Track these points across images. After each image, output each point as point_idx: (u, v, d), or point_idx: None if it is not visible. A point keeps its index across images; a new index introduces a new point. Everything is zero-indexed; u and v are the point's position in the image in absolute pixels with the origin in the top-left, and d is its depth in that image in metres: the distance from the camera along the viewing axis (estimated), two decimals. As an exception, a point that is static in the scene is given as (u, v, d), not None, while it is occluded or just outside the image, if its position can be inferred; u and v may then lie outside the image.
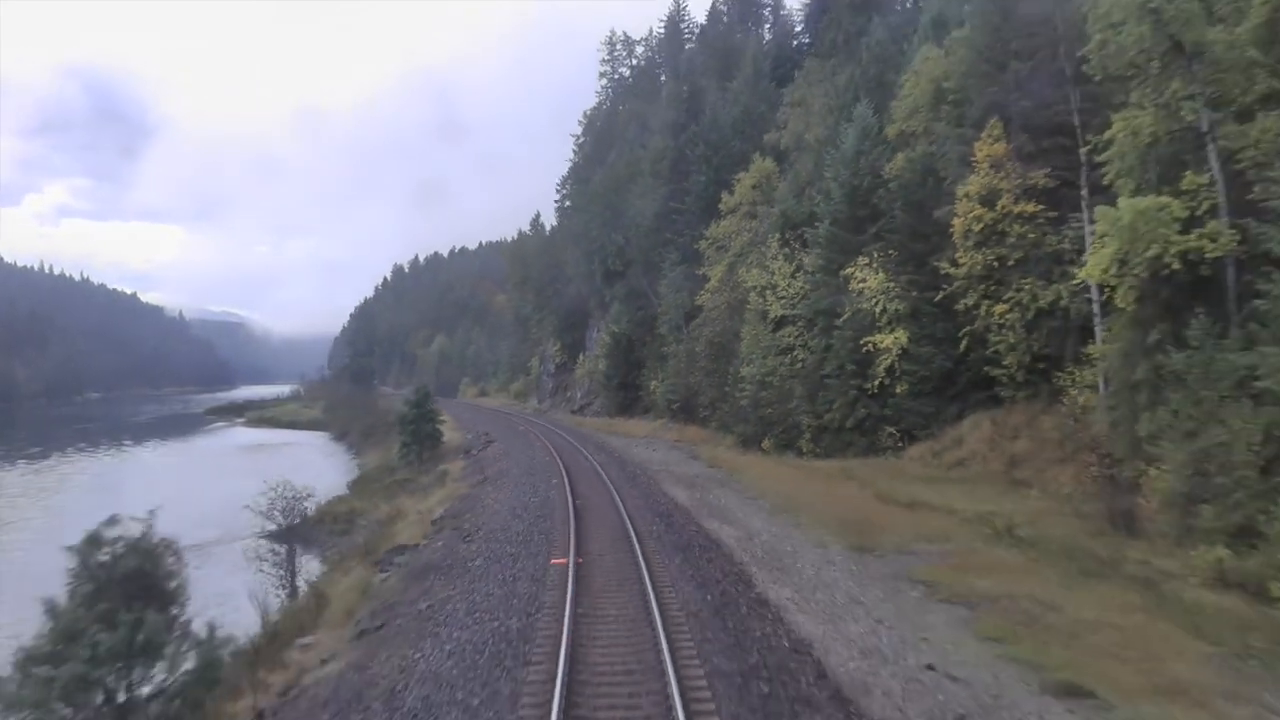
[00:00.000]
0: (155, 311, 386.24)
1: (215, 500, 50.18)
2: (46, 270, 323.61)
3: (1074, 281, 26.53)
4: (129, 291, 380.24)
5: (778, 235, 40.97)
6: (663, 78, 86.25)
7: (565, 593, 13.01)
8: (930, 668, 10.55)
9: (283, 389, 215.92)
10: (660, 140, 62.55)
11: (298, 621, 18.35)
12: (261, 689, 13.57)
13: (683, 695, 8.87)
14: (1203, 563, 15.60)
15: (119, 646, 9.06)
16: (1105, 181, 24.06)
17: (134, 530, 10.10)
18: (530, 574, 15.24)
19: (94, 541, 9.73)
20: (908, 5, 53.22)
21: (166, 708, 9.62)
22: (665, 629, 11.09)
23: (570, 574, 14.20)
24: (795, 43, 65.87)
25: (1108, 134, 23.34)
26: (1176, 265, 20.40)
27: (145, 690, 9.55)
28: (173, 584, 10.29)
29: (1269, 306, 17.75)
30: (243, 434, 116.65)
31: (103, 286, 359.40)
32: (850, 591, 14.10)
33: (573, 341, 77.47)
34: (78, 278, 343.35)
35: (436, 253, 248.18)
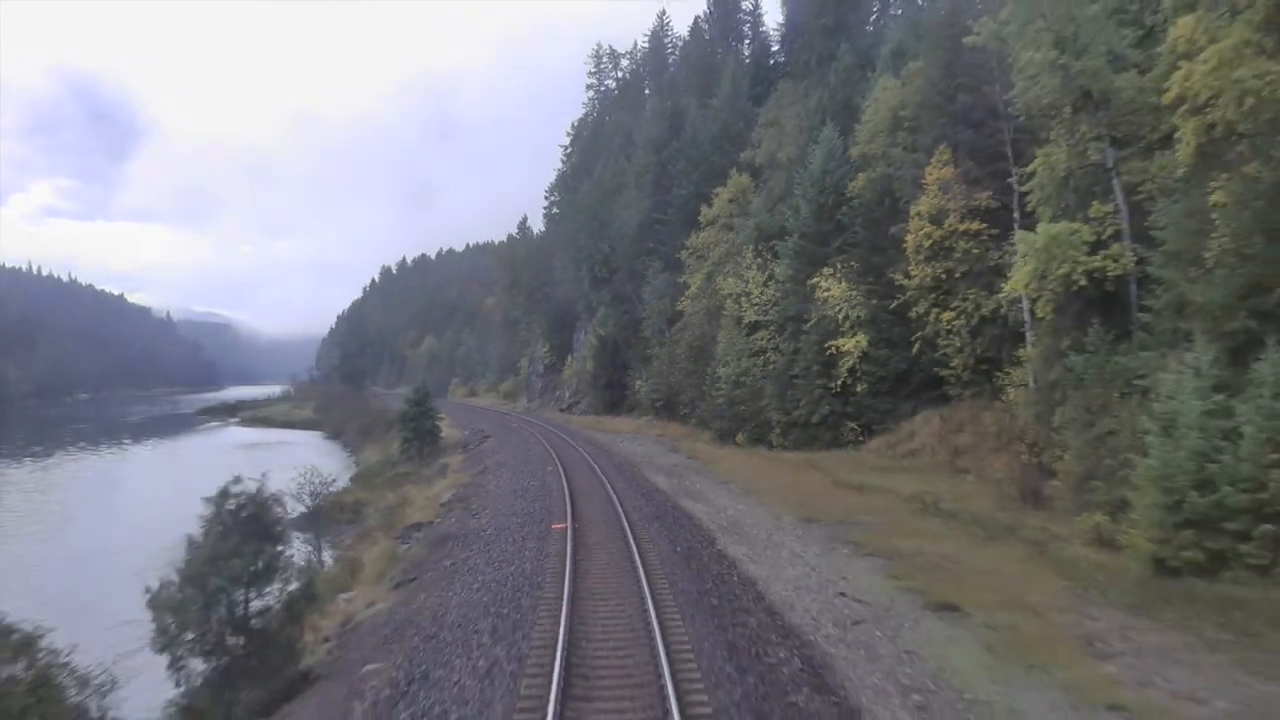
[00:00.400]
0: (142, 312, 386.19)
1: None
2: (34, 271, 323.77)
3: (1008, 293, 29.96)
4: (116, 293, 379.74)
5: (752, 246, 44.35)
6: (646, 90, 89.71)
7: (566, 545, 16.40)
8: (842, 594, 13.97)
9: (270, 390, 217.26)
10: (644, 155, 65.90)
11: (336, 584, 21.49)
12: (318, 629, 16.83)
13: (655, 603, 12.28)
14: (1085, 527, 19.06)
15: (245, 570, 12.35)
16: (1030, 208, 27.72)
17: (251, 487, 13.42)
18: (536, 535, 18.64)
19: (224, 494, 12.96)
20: (879, 24, 56.77)
21: (269, 620, 12.89)
22: (644, 566, 14.52)
23: (569, 533, 17.61)
24: (772, 61, 69.53)
25: (1030, 167, 26.98)
26: (1084, 282, 24.01)
27: (255, 606, 12.82)
28: (278, 528, 13.57)
29: (1150, 319, 21.27)
30: (238, 433, 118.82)
31: (90, 287, 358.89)
32: (793, 549, 17.51)
33: (561, 343, 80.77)
34: (65, 278, 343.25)
35: (424, 254, 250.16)
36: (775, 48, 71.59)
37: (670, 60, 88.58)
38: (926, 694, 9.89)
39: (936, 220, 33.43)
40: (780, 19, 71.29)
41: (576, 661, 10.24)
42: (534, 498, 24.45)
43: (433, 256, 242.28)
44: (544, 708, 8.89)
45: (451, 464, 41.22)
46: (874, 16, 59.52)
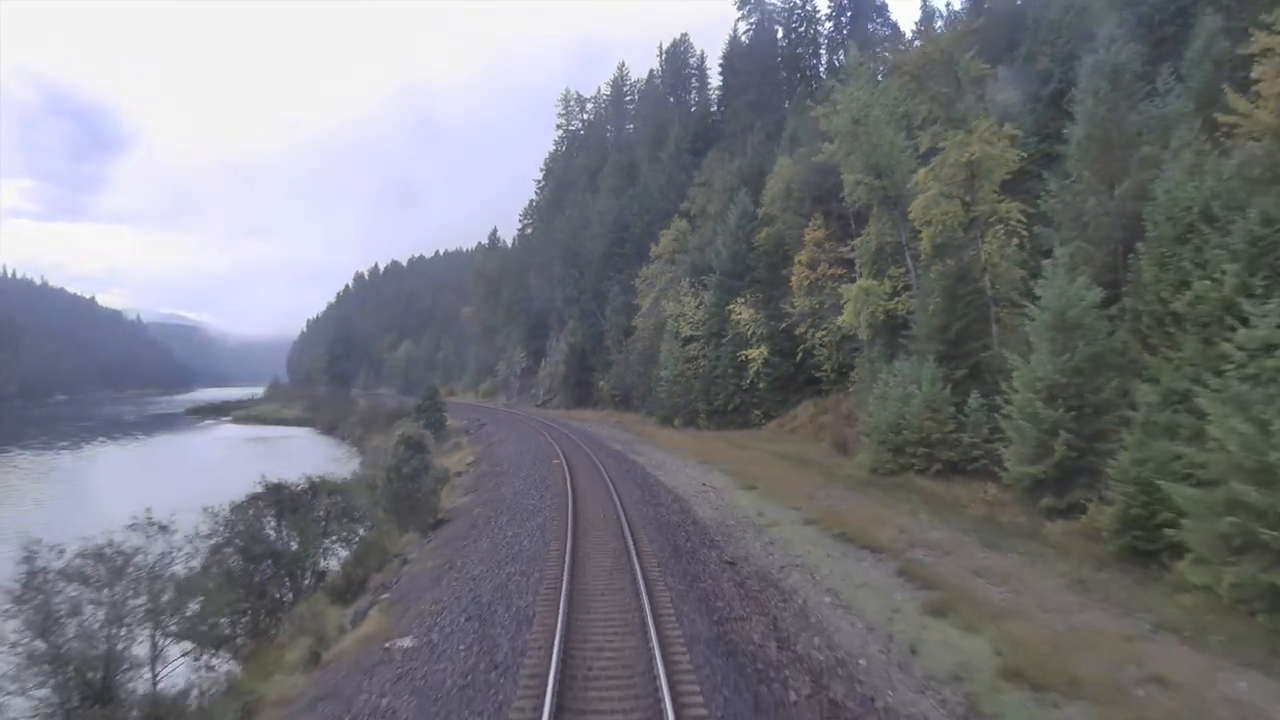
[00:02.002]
0: (113, 315, 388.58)
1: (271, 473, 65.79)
2: (9, 275, 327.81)
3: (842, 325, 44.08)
4: (88, 296, 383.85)
5: (688, 279, 58.38)
6: (609, 130, 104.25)
7: (564, 469, 30.36)
8: (703, 485, 28.06)
9: (244, 391, 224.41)
10: (606, 199, 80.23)
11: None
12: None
13: (613, 484, 26.31)
14: (859, 461, 33.28)
15: (414, 466, 25.97)
16: (859, 267, 42.11)
17: (412, 430, 27.10)
18: (544, 467, 32.56)
19: (403, 433, 26.64)
20: (789, 104, 70.97)
21: (424, 491, 26.44)
22: (608, 475, 28.54)
23: (564, 465, 31.57)
24: (710, 120, 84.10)
25: (856, 241, 41.41)
26: (883, 317, 38.41)
27: (417, 485, 26.38)
28: (429, 446, 27.08)
29: (907, 343, 35.53)
30: (236, 429, 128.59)
31: (62, 290, 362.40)
32: (688, 473, 31.55)
33: (536, 349, 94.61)
34: (38, 281, 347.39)
35: (395, 261, 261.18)
36: (714, 107, 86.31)
37: (628, 101, 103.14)
38: (720, 505, 23.94)
39: (812, 266, 47.39)
40: (719, 81, 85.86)
41: (579, 502, 24.11)
42: (535, 454, 38.30)
43: (404, 263, 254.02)
44: (565, 509, 22.70)
45: (462, 442, 54.66)
46: (797, 89, 74.00)
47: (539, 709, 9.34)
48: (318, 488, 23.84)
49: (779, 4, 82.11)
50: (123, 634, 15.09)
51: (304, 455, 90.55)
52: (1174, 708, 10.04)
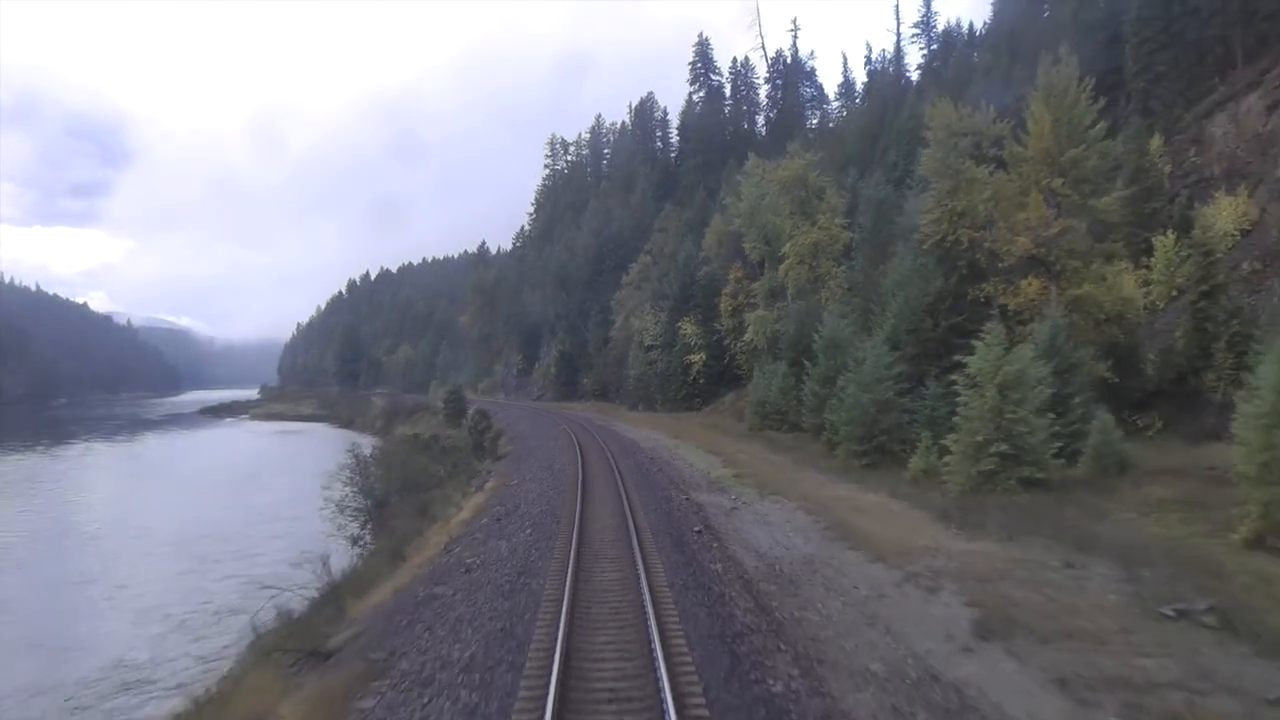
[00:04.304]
0: (104, 320, 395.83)
1: (324, 457, 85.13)
2: (7, 282, 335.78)
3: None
4: (80, 301, 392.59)
5: (650, 302, 78.60)
6: (588, 171, 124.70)
7: (570, 434, 50.51)
8: (650, 438, 48.38)
9: (236, 393, 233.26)
10: (587, 236, 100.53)
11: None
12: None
13: (598, 437, 46.53)
14: (749, 424, 53.53)
15: (483, 425, 45.68)
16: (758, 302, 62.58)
17: (482, 406, 46.65)
18: (553, 431, 52.72)
19: (472, 413, 46.27)
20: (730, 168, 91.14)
21: (488, 441, 46.08)
22: (595, 434, 48.79)
23: (571, 433, 51.76)
24: (670, 170, 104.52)
25: (756, 285, 61.92)
26: (770, 335, 58.92)
27: (485, 435, 46.00)
28: (492, 415, 46.76)
29: (779, 353, 55.97)
30: (261, 425, 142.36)
31: (55, 296, 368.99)
32: (643, 433, 51.71)
33: (530, 354, 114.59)
34: (32, 287, 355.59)
35: (385, 269, 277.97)
36: (674, 155, 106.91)
37: (605, 152, 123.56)
38: (656, 444, 44.17)
39: (734, 297, 67.74)
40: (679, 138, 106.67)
41: (581, 443, 44.15)
42: (545, 428, 58.36)
43: (394, 270, 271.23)
44: (574, 445, 42.76)
45: (483, 424, 74.57)
46: (732, 158, 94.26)
47: (577, 481, 29.39)
48: (437, 436, 43.74)
49: (724, 78, 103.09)
50: (388, 481, 35.32)
51: (339, 442, 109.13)
52: (785, 481, 30.33)
